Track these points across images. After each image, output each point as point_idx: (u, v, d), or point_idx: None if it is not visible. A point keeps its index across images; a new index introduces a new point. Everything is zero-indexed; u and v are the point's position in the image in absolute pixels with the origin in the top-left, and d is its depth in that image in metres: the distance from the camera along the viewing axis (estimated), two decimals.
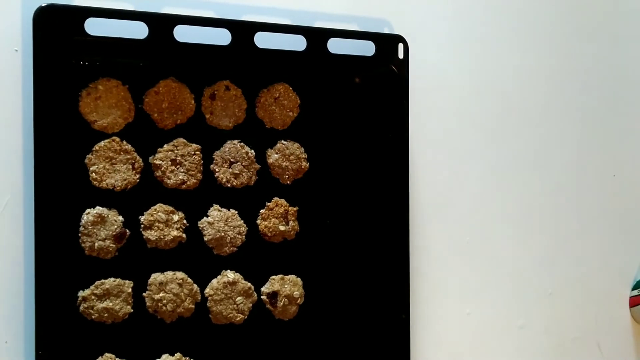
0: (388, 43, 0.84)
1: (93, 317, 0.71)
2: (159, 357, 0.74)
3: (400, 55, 0.84)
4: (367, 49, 0.83)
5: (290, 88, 0.80)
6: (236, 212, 0.77)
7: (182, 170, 0.75)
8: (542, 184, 0.98)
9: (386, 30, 0.88)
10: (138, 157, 0.74)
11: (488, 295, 0.94)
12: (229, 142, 0.77)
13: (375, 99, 0.84)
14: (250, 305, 0.78)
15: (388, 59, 0.84)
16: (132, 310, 0.73)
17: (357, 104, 0.83)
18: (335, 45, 0.81)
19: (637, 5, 1.06)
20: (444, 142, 0.92)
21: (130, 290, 0.73)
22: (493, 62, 0.95)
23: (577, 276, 1.01)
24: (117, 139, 0.73)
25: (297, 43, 0.79)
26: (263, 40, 0.78)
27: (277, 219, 0.79)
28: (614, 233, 1.04)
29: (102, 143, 0.72)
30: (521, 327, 0.96)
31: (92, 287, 0.71)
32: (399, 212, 0.84)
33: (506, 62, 0.96)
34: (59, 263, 0.70)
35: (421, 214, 0.89)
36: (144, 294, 0.73)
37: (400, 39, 0.84)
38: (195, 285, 0.75)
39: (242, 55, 0.77)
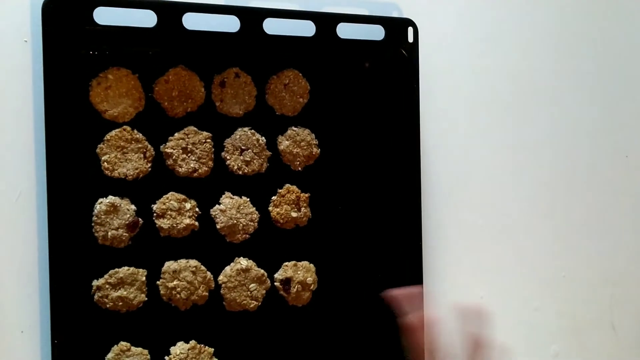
0: (397, 27, 0.83)
1: (108, 305, 0.72)
2: (174, 345, 0.74)
3: (410, 39, 0.83)
4: (376, 33, 0.82)
5: (300, 74, 0.80)
6: (248, 199, 0.77)
7: (193, 158, 0.75)
8: (554, 166, 0.98)
9: (395, 14, 0.87)
10: (149, 146, 0.74)
11: (501, 279, 0.94)
12: (239, 129, 0.77)
13: (385, 83, 0.83)
14: (264, 291, 0.78)
15: (398, 43, 0.83)
16: (146, 299, 0.73)
17: (367, 88, 0.83)
18: (345, 30, 0.80)
19: None
20: (455, 125, 0.91)
21: (144, 278, 0.73)
22: (503, 43, 0.95)
23: (590, 258, 1.00)
24: (128, 128, 0.73)
25: (306, 29, 0.79)
26: (272, 26, 0.77)
27: (289, 205, 0.79)
28: (627, 214, 1.03)
29: (113, 132, 0.72)
30: (535, 310, 0.96)
31: (106, 276, 0.72)
32: (411, 196, 0.84)
33: (516, 43, 0.96)
34: (72, 253, 0.70)
35: (433, 198, 0.89)
36: (157, 282, 0.74)
37: (409, 22, 0.83)
38: (208, 273, 0.75)
39: (251, 42, 0.77)
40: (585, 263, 1.00)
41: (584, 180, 1.00)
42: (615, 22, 1.03)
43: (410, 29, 0.83)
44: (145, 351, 0.73)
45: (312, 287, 0.80)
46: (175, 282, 0.74)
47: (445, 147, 0.90)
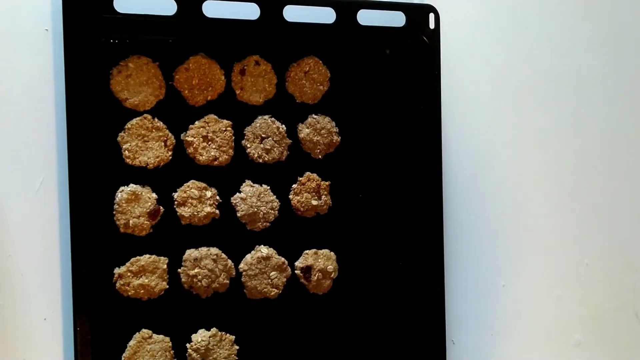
0: (418, 13, 0.82)
1: (129, 293, 0.72)
2: (195, 332, 0.75)
3: (431, 26, 0.83)
4: (397, 19, 0.82)
5: (320, 62, 0.79)
6: (268, 187, 0.77)
7: (213, 146, 0.75)
8: (576, 153, 0.97)
9: (416, 0, 0.86)
10: (170, 134, 0.74)
11: (523, 267, 0.93)
12: (259, 117, 0.77)
13: (406, 70, 0.83)
14: (285, 279, 0.78)
15: (419, 29, 0.82)
16: (167, 286, 0.74)
17: (388, 76, 0.82)
18: (365, 17, 0.80)
19: None
20: (476, 112, 0.91)
21: (165, 266, 0.73)
22: (525, 29, 0.93)
23: (613, 245, 0.99)
24: (149, 117, 0.73)
25: (326, 16, 0.79)
26: (292, 13, 0.77)
27: (310, 193, 0.79)
28: None
29: (134, 121, 0.72)
30: (557, 298, 0.95)
31: (127, 264, 0.72)
32: (432, 184, 0.83)
33: (538, 30, 0.94)
34: (94, 241, 0.71)
35: (454, 185, 0.88)
36: (179, 270, 0.74)
37: (431, 8, 0.83)
38: (229, 261, 0.76)
39: (271, 30, 0.77)
40: (609, 251, 0.99)
41: (607, 168, 0.99)
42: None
43: (431, 15, 0.83)
44: (167, 338, 0.74)
45: (332, 275, 0.80)
46: (196, 270, 0.74)
47: (466, 135, 0.90)
